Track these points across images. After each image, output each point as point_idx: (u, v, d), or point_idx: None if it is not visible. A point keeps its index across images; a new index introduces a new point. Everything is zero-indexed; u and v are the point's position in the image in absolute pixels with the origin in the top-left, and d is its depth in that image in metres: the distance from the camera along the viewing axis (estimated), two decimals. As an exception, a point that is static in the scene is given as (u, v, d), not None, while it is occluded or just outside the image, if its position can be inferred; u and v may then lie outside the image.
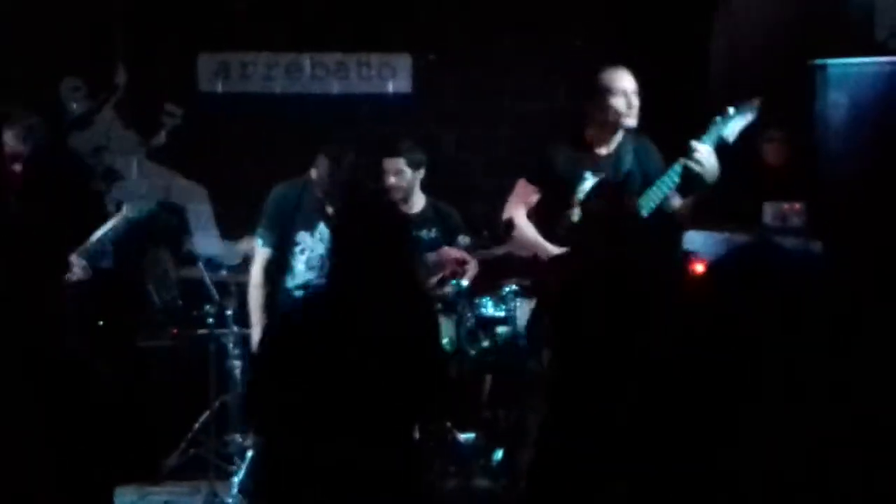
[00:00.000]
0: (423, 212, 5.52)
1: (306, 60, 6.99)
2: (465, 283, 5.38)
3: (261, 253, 4.84)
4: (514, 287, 5.50)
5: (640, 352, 3.50)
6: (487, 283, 5.70)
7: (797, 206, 4.72)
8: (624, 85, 4.55)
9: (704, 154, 4.36)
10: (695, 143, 4.38)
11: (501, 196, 4.95)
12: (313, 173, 5.03)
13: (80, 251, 4.98)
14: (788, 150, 6.09)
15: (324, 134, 5.97)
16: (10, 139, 4.92)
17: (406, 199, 5.55)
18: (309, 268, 5.03)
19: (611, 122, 4.58)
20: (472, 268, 5.22)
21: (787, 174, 5.93)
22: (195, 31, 6.87)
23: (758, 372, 3.58)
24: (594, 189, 4.31)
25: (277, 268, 4.95)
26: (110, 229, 5.23)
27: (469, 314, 5.38)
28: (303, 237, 4.76)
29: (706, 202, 4.55)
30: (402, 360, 3.46)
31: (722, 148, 4.45)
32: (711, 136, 4.42)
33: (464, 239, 5.34)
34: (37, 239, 4.66)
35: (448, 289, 5.30)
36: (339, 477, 3.43)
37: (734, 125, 4.46)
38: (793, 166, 5.91)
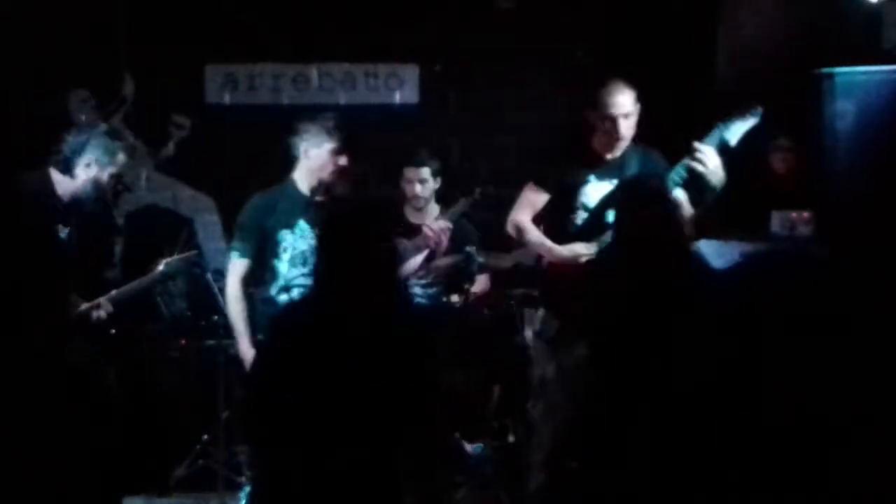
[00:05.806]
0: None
1: (313, 71, 7.01)
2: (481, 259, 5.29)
3: (237, 265, 4.75)
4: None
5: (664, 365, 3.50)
6: (496, 292, 5.71)
7: (805, 214, 4.72)
8: (623, 99, 4.62)
9: (708, 155, 4.38)
10: (698, 144, 4.41)
11: (506, 204, 4.97)
12: (303, 151, 4.85)
13: (111, 297, 5.02)
14: (795, 158, 6.10)
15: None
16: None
17: (423, 208, 5.57)
18: (293, 265, 4.88)
19: (612, 134, 4.65)
20: (444, 243, 5.16)
21: (794, 182, 5.94)
22: (202, 43, 6.88)
23: (765, 374, 3.59)
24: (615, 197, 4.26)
25: (256, 278, 4.86)
26: (145, 282, 5.28)
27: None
28: (284, 235, 4.71)
29: (712, 211, 4.55)
30: (391, 363, 3.42)
31: (725, 152, 4.46)
32: (713, 138, 4.45)
33: (470, 248, 5.34)
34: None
35: (459, 262, 5.24)
36: (336, 487, 3.41)
37: (736, 129, 4.48)
38: (800, 175, 5.91)
